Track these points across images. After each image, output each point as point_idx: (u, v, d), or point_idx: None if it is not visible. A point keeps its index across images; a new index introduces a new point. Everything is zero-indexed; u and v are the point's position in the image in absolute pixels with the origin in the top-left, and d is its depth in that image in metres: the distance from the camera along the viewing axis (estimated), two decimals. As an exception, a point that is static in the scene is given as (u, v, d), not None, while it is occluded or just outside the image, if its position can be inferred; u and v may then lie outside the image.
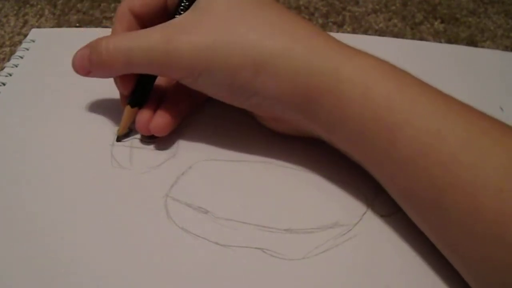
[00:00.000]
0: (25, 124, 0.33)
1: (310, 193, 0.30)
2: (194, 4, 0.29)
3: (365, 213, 0.28)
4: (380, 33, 0.44)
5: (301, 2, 0.48)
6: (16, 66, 0.38)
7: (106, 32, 0.31)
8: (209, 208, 0.28)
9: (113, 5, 0.47)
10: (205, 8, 0.28)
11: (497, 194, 0.22)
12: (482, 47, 0.42)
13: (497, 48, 0.43)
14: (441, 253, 0.25)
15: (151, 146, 0.32)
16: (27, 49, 0.39)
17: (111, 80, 0.32)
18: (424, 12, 0.46)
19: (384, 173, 0.27)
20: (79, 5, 0.47)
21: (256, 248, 0.27)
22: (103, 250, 0.26)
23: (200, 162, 0.31)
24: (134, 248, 0.27)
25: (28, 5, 0.47)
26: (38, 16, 0.45)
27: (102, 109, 0.34)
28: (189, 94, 0.32)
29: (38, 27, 0.44)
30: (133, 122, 0.32)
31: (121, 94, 0.32)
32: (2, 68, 0.38)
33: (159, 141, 0.32)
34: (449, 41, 0.43)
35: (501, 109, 0.34)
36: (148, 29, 0.29)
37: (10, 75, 0.37)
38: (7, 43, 0.42)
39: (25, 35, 0.42)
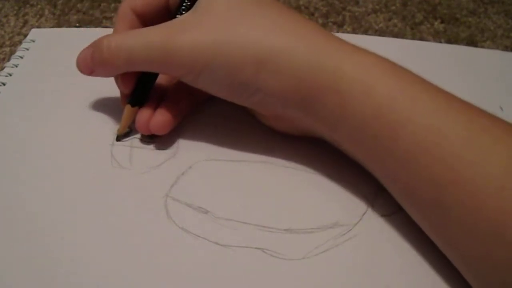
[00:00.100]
0: (25, 124, 0.33)
1: (310, 193, 0.29)
2: (195, 4, 0.29)
3: (365, 213, 0.28)
4: (380, 33, 0.44)
5: (301, 2, 0.48)
6: (16, 66, 0.38)
7: (106, 32, 0.31)
8: (209, 208, 0.28)
9: (113, 5, 0.47)
10: (205, 8, 0.28)
11: (498, 193, 0.22)
12: (482, 47, 0.43)
13: (497, 48, 0.43)
14: (441, 252, 0.25)
15: (151, 146, 0.32)
16: (27, 49, 0.39)
17: (111, 80, 0.32)
18: (424, 12, 0.47)
19: (385, 171, 0.27)
20: (79, 5, 0.47)
21: (256, 248, 0.27)
22: (103, 250, 0.26)
23: (200, 162, 0.31)
24: (134, 248, 0.27)
25: (28, 5, 0.47)
26: (38, 16, 0.45)
27: (102, 109, 0.34)
28: (189, 92, 0.32)
29: (38, 27, 0.44)
30: (133, 121, 0.32)
31: (121, 93, 0.32)
32: (2, 68, 0.38)
33: (159, 141, 0.32)
34: (449, 41, 0.43)
35: (501, 109, 0.34)
36: (149, 28, 0.29)
37: (10, 75, 0.37)
38: (7, 43, 0.42)
39: (25, 35, 0.42)
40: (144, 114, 0.31)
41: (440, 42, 0.43)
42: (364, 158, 0.28)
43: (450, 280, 0.25)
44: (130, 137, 0.32)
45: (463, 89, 0.27)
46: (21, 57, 0.39)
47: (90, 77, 0.31)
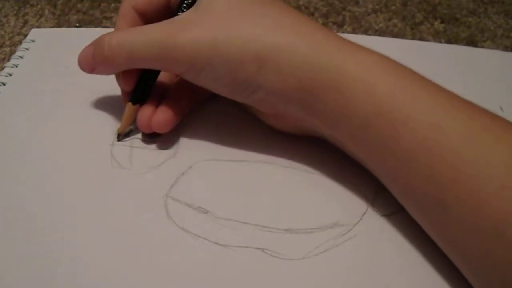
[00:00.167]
0: (25, 124, 0.33)
1: (310, 193, 0.29)
2: (196, 2, 0.29)
3: (365, 213, 0.28)
4: (380, 33, 0.44)
5: (301, 2, 0.48)
6: (16, 66, 0.38)
7: (106, 32, 0.31)
8: (209, 208, 0.28)
9: (113, 5, 0.47)
10: (207, 6, 0.28)
11: (498, 192, 0.22)
12: (482, 47, 0.43)
13: (497, 48, 0.43)
14: (442, 252, 0.25)
15: (151, 146, 0.32)
16: (27, 49, 0.39)
17: (112, 80, 0.32)
18: (424, 12, 0.47)
19: (386, 170, 0.27)
20: (79, 5, 0.47)
21: (256, 248, 0.27)
22: (103, 250, 0.26)
23: (200, 162, 0.31)
24: (134, 248, 0.27)
25: (28, 5, 0.47)
26: (38, 16, 0.45)
27: (102, 109, 0.34)
28: (191, 90, 0.32)
29: (38, 27, 0.44)
30: (134, 120, 0.32)
31: (122, 91, 0.32)
32: (2, 68, 0.38)
33: (159, 140, 0.32)
34: (449, 41, 0.43)
35: (501, 109, 0.34)
36: (150, 25, 0.29)
37: (10, 75, 0.37)
38: (7, 43, 0.42)
39: (25, 35, 0.42)
40: (145, 112, 0.31)
41: (440, 42, 0.43)
42: (364, 157, 0.28)
43: (450, 280, 0.25)
44: (130, 137, 0.32)
45: (463, 89, 0.27)
46: (21, 57, 0.39)
47: (90, 77, 0.31)
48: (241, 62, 0.27)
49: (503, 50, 0.42)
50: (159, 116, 0.31)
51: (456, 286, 0.25)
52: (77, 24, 0.44)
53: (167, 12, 0.31)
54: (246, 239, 0.27)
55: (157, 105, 0.32)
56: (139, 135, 0.33)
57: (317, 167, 0.31)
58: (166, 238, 0.27)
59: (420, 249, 0.27)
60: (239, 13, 0.28)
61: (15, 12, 0.46)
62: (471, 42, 0.43)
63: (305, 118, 0.29)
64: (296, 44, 0.27)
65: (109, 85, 0.32)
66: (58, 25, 0.44)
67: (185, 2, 0.30)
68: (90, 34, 0.31)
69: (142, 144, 0.32)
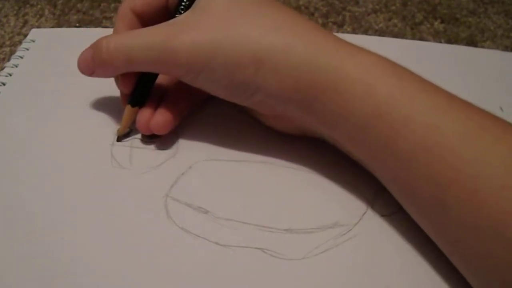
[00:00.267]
0: (25, 124, 0.33)
1: (310, 193, 0.29)
2: (194, 4, 0.29)
3: (365, 213, 0.28)
4: (380, 33, 0.44)
5: (301, 2, 0.48)
6: (16, 66, 0.38)
7: (106, 32, 0.31)
8: (209, 208, 0.28)
9: (113, 5, 0.47)
10: (204, 8, 0.28)
11: (498, 192, 0.22)
12: (482, 47, 0.43)
13: (497, 48, 0.43)
14: (442, 252, 0.25)
15: (151, 146, 0.32)
16: (27, 49, 0.39)
17: (111, 80, 0.32)
18: (424, 12, 0.47)
19: (385, 170, 0.27)
20: (79, 5, 0.47)
21: (256, 248, 0.27)
22: (103, 250, 0.26)
23: (200, 162, 0.31)
24: (134, 248, 0.27)
25: (28, 5, 0.47)
26: (38, 16, 0.45)
27: (102, 109, 0.34)
28: (190, 92, 0.32)
29: (38, 27, 0.44)
30: (134, 121, 0.32)
31: (121, 93, 0.33)
32: (2, 68, 0.38)
33: (159, 141, 0.32)
34: (449, 41, 0.43)
35: (501, 109, 0.34)
36: (148, 28, 0.29)
37: (10, 75, 0.37)
38: (7, 43, 0.42)
39: (25, 35, 0.42)
40: (144, 114, 0.31)
41: (440, 42, 0.43)
42: (364, 158, 0.28)
43: (450, 280, 0.25)
44: (130, 137, 0.32)
45: (463, 89, 0.27)
46: (21, 57, 0.39)
47: (90, 77, 0.31)
48: (239, 64, 0.27)
49: (503, 50, 0.42)
50: (157, 118, 0.31)
51: (456, 286, 0.25)
52: (77, 24, 0.44)
53: (165, 14, 0.31)
54: (246, 239, 0.27)
55: (156, 107, 0.32)
56: (139, 135, 0.33)
57: (317, 167, 0.31)
58: (166, 238, 0.27)
59: (419, 249, 0.27)
60: (237, 14, 0.28)
61: (15, 12, 0.46)
62: (471, 42, 0.43)
63: (304, 119, 0.29)
64: (293, 45, 0.27)
65: (109, 85, 0.32)
66: (58, 25, 0.44)
67: (183, 3, 0.30)
68: (90, 34, 0.32)
69: (142, 144, 0.32)
